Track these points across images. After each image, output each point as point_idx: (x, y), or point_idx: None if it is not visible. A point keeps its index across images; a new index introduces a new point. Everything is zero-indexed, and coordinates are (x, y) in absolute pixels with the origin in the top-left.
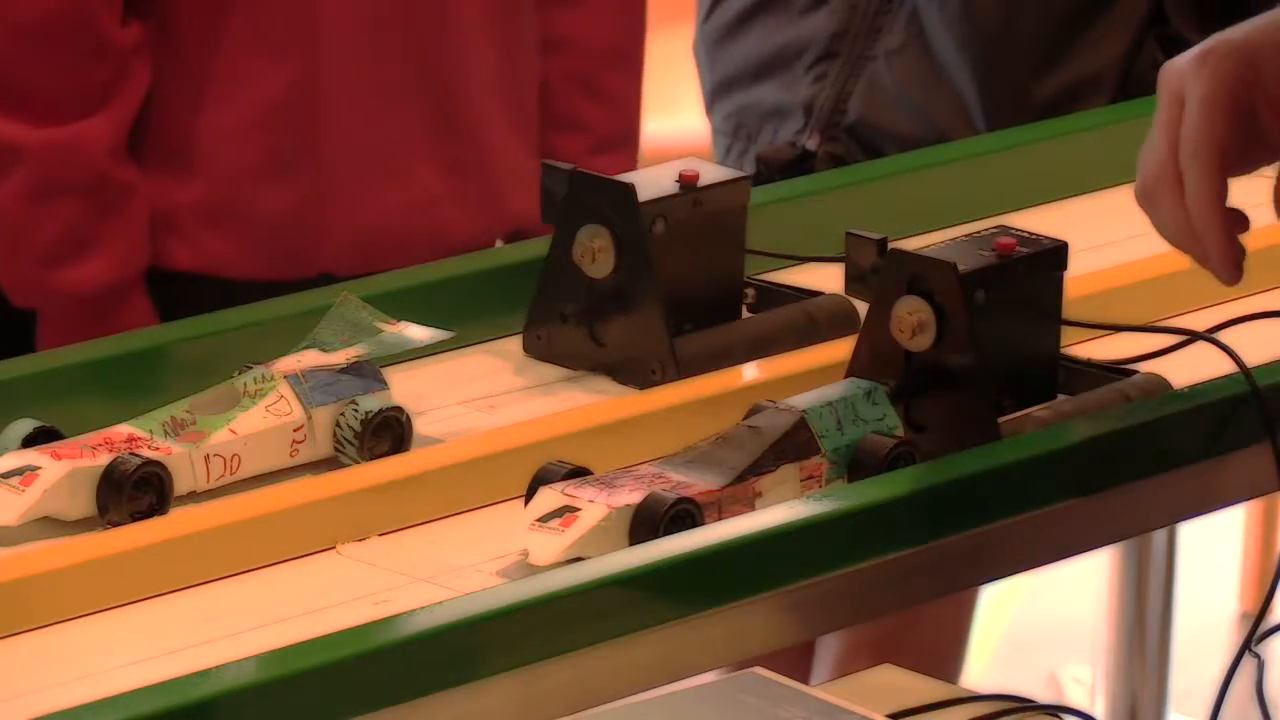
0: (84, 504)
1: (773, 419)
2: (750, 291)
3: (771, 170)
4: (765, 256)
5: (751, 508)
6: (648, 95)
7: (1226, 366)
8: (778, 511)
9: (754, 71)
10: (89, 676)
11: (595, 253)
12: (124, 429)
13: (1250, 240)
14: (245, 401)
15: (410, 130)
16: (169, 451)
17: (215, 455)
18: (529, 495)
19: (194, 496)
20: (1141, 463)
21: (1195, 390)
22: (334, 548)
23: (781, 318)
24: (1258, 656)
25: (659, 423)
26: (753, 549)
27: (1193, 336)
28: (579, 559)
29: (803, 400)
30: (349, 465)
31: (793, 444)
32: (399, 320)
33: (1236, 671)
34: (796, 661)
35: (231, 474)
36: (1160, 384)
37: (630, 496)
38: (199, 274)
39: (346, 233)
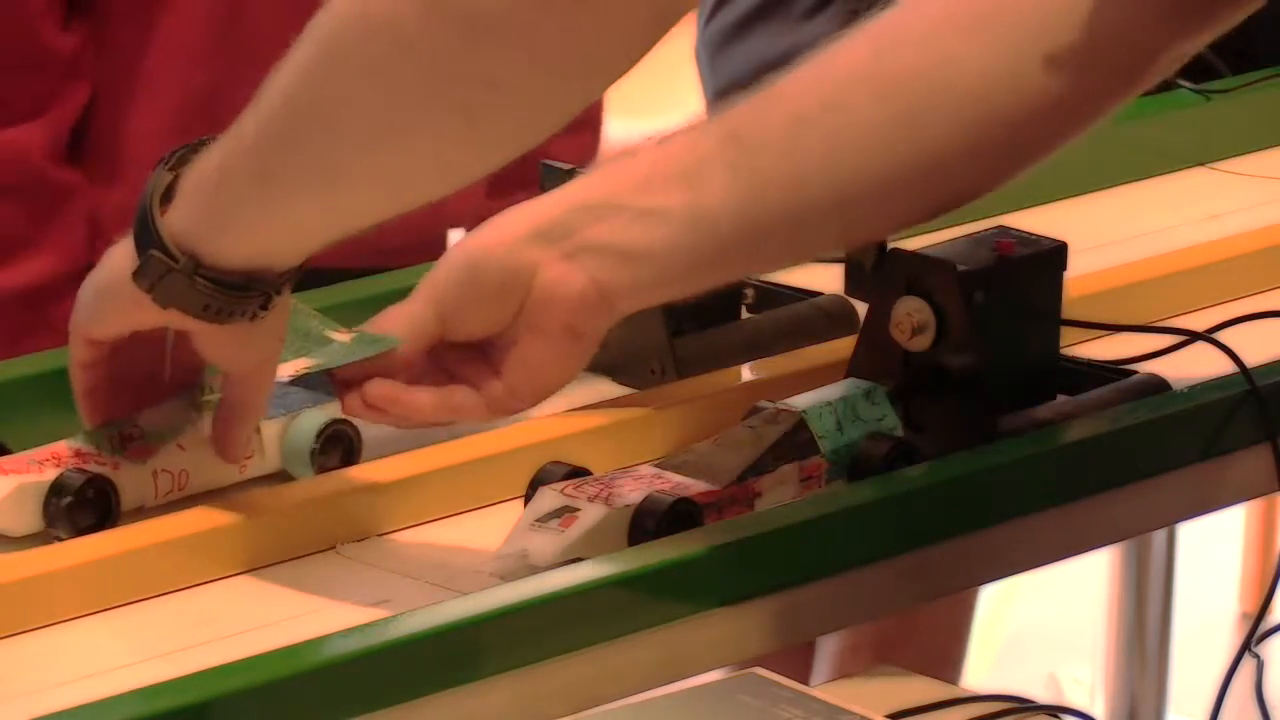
0: (30, 519)
1: (772, 419)
2: (750, 291)
3: None
4: None
5: (751, 508)
6: (648, 98)
7: (1226, 366)
8: (778, 511)
9: (755, 77)
10: (89, 677)
11: None
12: (71, 444)
13: (1250, 240)
14: (193, 415)
15: None
16: (116, 466)
17: (163, 470)
18: (529, 495)
19: (142, 512)
20: (1141, 463)
21: (1195, 390)
22: (334, 548)
23: (781, 318)
24: (1258, 656)
25: (659, 423)
26: (753, 549)
27: (1193, 336)
28: (579, 559)
29: (802, 400)
30: (299, 479)
31: (792, 444)
32: (351, 329)
33: (1236, 671)
34: (796, 661)
35: (180, 489)
36: (1160, 384)
37: (630, 497)
38: None
39: None
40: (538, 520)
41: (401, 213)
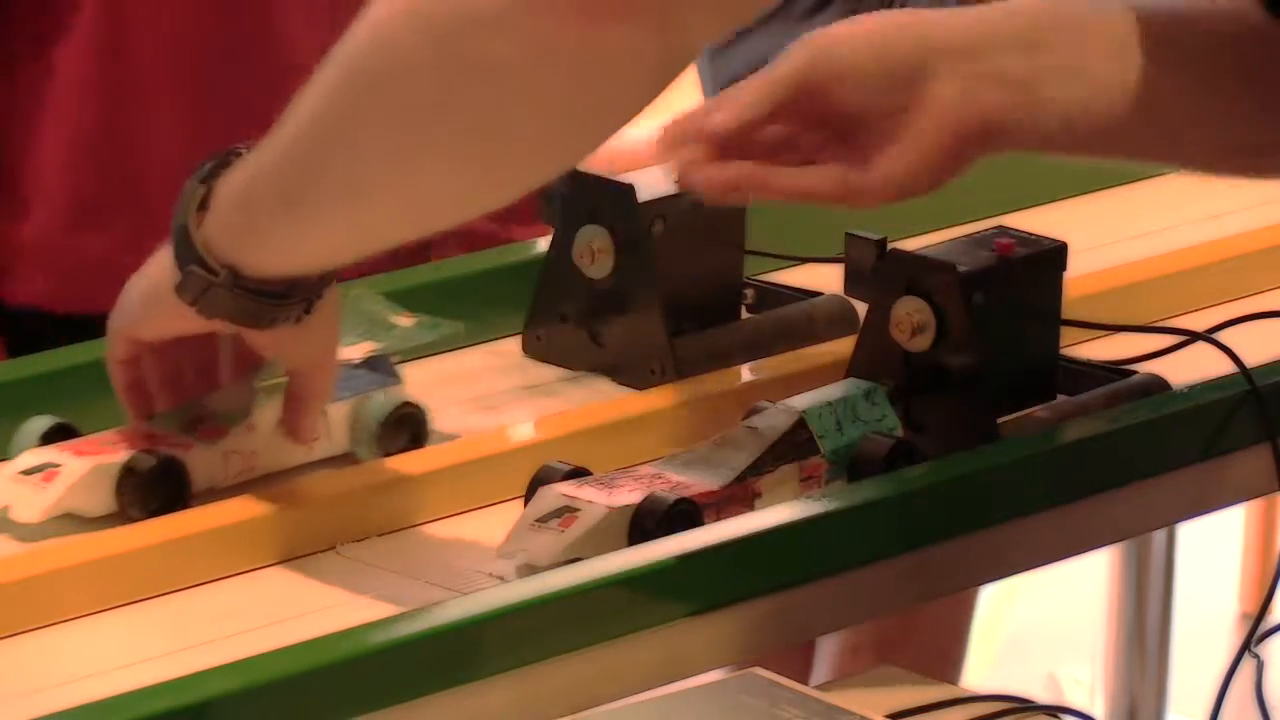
0: (105, 500)
1: (772, 419)
2: (750, 292)
3: None
4: (765, 257)
5: (751, 508)
6: None
7: (1226, 366)
8: (778, 511)
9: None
10: (89, 677)
11: (595, 253)
12: (143, 425)
13: (1250, 240)
14: (262, 397)
15: None
16: (189, 447)
17: (234, 452)
18: (529, 495)
19: (214, 493)
20: (1141, 463)
21: (1195, 390)
22: (334, 548)
23: (781, 318)
24: (1257, 657)
25: (659, 423)
26: (753, 549)
27: (1193, 336)
28: (579, 559)
29: (802, 400)
30: (366, 460)
31: (792, 444)
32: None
33: (1236, 671)
34: (796, 661)
35: (250, 470)
36: (1160, 384)
37: (630, 496)
38: (39, 309)
39: None
40: (538, 520)
41: (425, 234)
